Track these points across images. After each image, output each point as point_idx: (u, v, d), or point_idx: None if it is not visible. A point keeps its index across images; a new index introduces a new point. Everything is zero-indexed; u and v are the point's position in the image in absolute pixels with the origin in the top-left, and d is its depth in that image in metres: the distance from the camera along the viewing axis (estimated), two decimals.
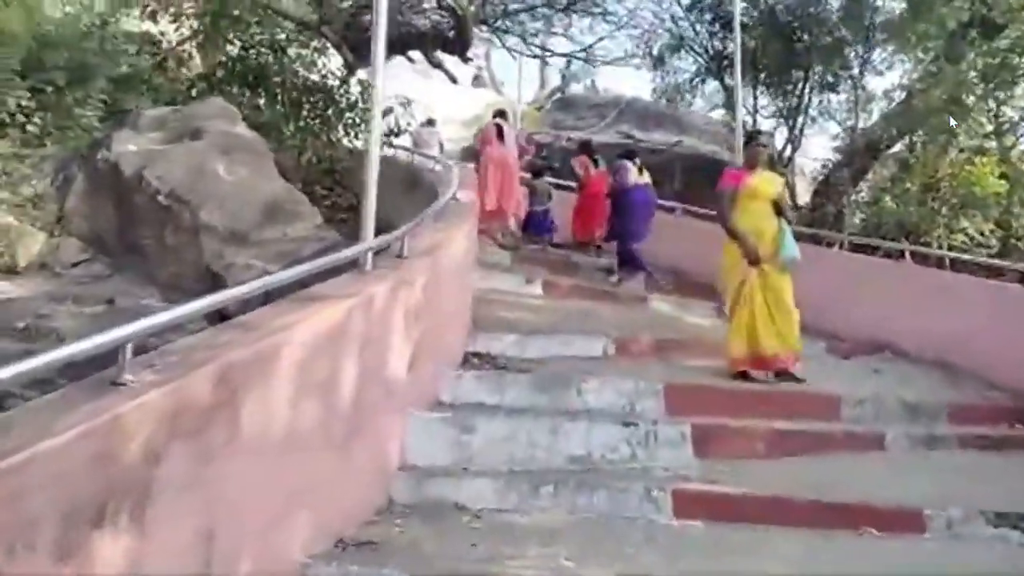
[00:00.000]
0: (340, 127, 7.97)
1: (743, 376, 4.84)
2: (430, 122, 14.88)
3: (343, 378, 2.96)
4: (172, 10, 7.04)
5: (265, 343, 2.50)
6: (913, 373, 6.00)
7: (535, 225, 9.82)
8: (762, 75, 13.58)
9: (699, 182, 16.78)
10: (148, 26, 7.11)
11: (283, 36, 7.45)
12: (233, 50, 7.41)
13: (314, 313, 2.80)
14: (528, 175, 10.05)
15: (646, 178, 8.94)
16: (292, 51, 8.12)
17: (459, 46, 8.00)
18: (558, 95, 22.49)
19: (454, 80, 10.90)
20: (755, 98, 13.96)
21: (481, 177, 9.14)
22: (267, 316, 2.71)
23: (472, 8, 7.56)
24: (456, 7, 7.01)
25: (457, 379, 4.12)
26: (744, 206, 4.97)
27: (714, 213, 10.92)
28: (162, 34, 7.14)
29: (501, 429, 3.73)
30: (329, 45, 8.03)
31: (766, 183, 5.09)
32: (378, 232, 3.55)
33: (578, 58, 11.39)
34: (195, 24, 7.34)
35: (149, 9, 6.98)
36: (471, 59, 8.87)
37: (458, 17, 7.27)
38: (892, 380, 5.62)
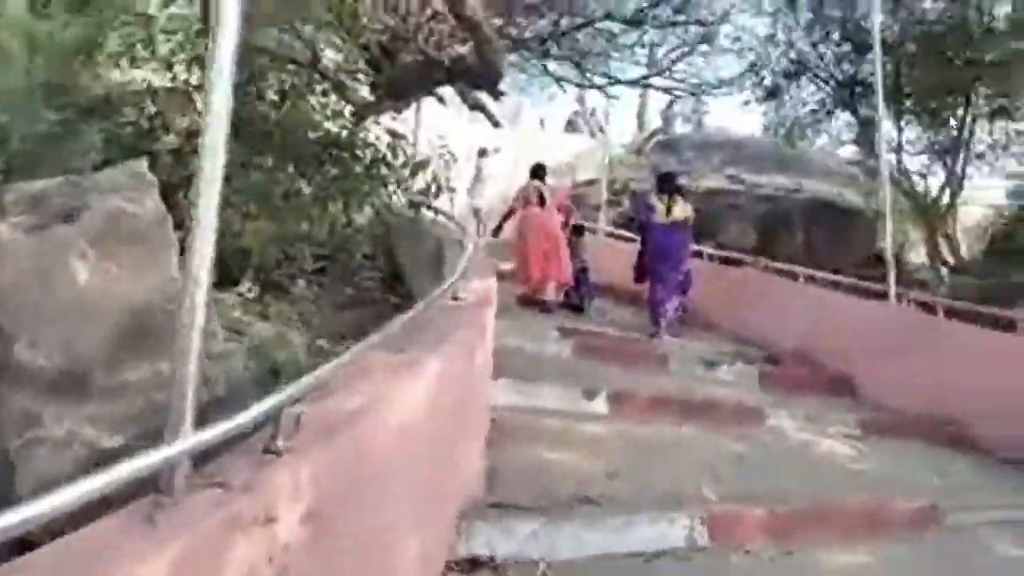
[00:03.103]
0: (366, 185, 6.53)
1: None
2: (482, 153, 13.65)
3: None
4: (160, 54, 5.84)
5: None
6: None
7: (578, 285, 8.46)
8: (907, 103, 11.07)
9: (823, 233, 14.22)
10: (131, 74, 5.97)
11: (289, 83, 6.11)
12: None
13: None
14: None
15: (681, 212, 7.48)
16: (314, 100, 6.78)
17: (487, 79, 6.34)
18: (659, 137, 20.53)
19: (496, 124, 9.38)
20: (899, 131, 11.42)
21: (521, 243, 8.21)
22: None
23: (503, 32, 6.04)
24: (476, 22, 5.35)
25: None
26: None
27: (847, 279, 8.75)
28: (145, 83, 5.92)
29: None
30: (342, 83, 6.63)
31: None
32: None
33: (649, 86, 9.51)
34: (189, 73, 6.04)
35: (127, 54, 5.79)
36: (504, 94, 7.28)
37: (480, 41, 5.60)
38: None
